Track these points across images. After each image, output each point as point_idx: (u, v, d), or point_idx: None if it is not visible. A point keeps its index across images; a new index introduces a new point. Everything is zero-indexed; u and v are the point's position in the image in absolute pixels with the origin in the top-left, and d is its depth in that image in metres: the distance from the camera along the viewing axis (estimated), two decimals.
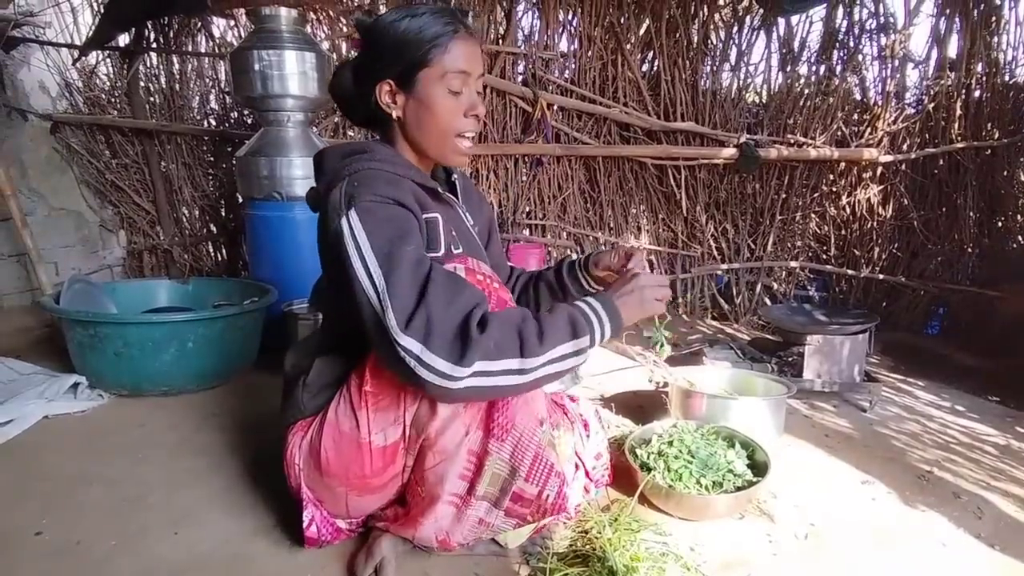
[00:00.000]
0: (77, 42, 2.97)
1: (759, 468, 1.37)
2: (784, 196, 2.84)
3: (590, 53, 2.73)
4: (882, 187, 2.81)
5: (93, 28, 2.87)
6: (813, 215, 2.89)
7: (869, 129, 2.76)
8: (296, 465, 1.14)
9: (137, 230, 3.32)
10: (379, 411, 1.05)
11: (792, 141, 2.72)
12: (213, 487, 1.40)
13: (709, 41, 2.75)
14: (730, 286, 2.98)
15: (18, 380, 1.92)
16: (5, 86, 2.93)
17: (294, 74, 2.21)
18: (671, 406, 1.68)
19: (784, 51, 2.82)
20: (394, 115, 1.13)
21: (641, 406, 1.91)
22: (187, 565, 1.12)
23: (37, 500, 1.33)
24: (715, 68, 2.79)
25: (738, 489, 1.29)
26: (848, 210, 2.87)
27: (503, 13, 2.75)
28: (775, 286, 2.94)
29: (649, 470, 1.35)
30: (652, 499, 1.32)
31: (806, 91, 2.75)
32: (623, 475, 1.40)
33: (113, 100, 3.16)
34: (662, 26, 2.67)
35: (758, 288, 2.92)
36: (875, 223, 2.85)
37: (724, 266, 2.92)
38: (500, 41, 2.76)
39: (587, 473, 1.33)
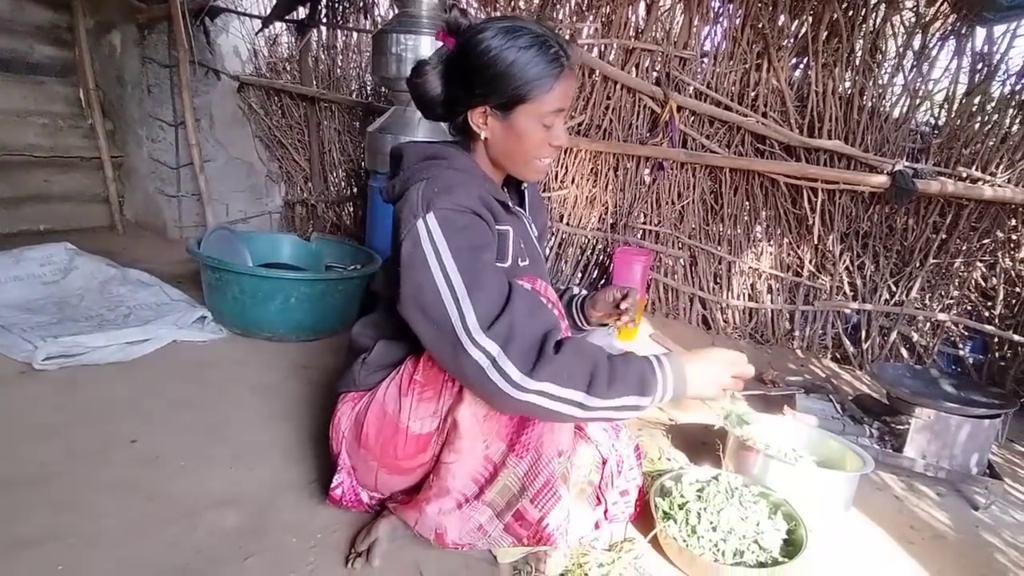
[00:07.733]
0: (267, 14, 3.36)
1: (796, 546, 1.24)
2: (944, 237, 2.43)
3: (732, 55, 2.51)
4: None
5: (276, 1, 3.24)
6: (980, 264, 2.44)
7: None
8: (341, 431, 1.26)
9: (293, 184, 3.75)
10: (422, 401, 1.13)
11: (964, 175, 2.30)
12: (277, 433, 1.57)
13: (878, 50, 2.39)
14: (859, 327, 2.65)
15: (167, 304, 2.29)
16: (212, 49, 3.42)
17: None
18: (723, 454, 1.56)
19: (979, 67, 2.38)
20: (483, 136, 1.16)
21: (704, 443, 1.80)
22: (226, 499, 1.29)
23: (141, 413, 1.60)
24: (880, 81, 2.43)
25: (760, 565, 1.19)
26: None
27: (645, 6, 2.63)
28: (915, 337, 2.55)
29: (670, 518, 1.28)
30: (667, 550, 1.26)
31: (995, 117, 2.31)
32: (649, 514, 1.34)
33: (287, 67, 3.56)
34: (820, 30, 2.38)
35: (893, 336, 2.56)
36: None
37: (855, 304, 2.59)
38: (637, 36, 2.65)
39: (605, 510, 1.31)
